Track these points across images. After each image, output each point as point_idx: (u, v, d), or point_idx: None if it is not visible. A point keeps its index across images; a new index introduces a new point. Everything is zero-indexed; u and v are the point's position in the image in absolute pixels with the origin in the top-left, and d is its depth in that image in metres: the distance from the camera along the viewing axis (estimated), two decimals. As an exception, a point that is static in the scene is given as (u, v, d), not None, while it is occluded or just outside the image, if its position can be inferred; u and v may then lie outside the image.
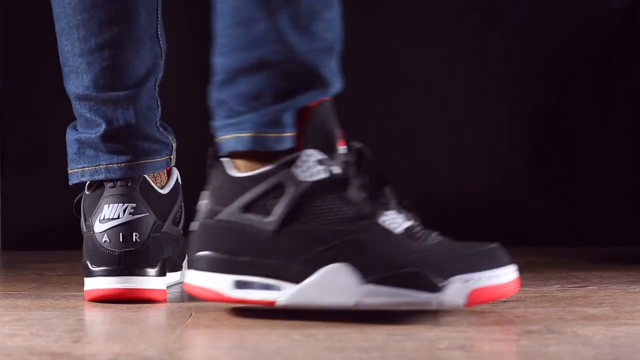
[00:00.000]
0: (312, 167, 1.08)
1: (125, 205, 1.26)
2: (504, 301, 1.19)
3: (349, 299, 1.04)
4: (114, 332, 1.06)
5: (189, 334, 1.02)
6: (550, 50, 2.16)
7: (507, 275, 1.07)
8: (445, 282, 1.04)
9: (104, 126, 1.29)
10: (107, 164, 1.28)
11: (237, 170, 1.10)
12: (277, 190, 1.07)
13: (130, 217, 1.26)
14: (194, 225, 1.12)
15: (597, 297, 1.26)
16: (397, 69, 2.17)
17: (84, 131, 1.30)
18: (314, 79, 1.09)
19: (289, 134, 1.09)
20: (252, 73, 1.08)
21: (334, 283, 1.04)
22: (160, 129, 1.33)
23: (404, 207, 1.10)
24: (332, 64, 1.10)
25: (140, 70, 1.30)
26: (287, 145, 1.09)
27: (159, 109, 1.33)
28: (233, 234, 1.08)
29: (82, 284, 1.28)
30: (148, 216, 1.27)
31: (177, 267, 1.38)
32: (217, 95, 1.11)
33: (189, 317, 1.11)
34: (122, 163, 1.28)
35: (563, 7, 2.16)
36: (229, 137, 1.10)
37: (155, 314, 1.17)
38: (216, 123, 1.12)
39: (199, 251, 1.10)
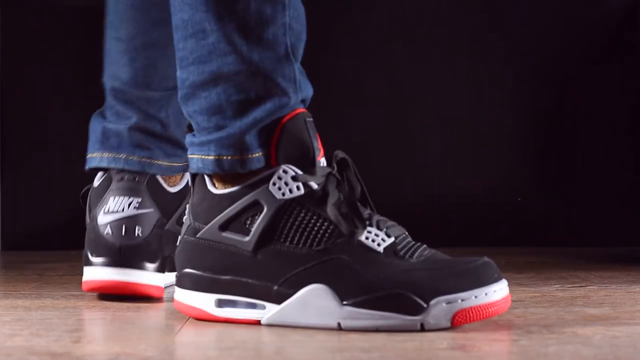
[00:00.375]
0: (289, 183, 1.05)
1: (131, 199, 1.26)
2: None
3: (331, 320, 1.02)
4: (114, 332, 1.06)
5: (189, 334, 1.02)
6: (550, 51, 2.16)
7: (494, 293, 1.01)
8: (429, 304, 0.99)
9: (134, 119, 1.29)
10: (127, 156, 1.28)
11: (215, 184, 1.08)
12: (254, 208, 1.05)
13: (135, 212, 1.26)
14: (178, 241, 1.12)
15: (597, 297, 1.26)
16: (397, 69, 2.17)
17: (113, 120, 1.30)
18: (271, 88, 1.06)
19: (255, 155, 1.06)
20: (209, 87, 1.06)
21: (313, 304, 1.02)
22: None
23: (389, 219, 1.06)
24: (291, 70, 1.06)
25: None
26: (254, 166, 1.06)
27: None
28: (214, 253, 1.07)
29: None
30: (152, 212, 1.27)
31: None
32: (184, 110, 1.09)
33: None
34: (142, 158, 1.28)
35: (563, 8, 2.16)
36: (194, 157, 1.08)
37: (155, 314, 1.17)
38: (187, 138, 1.10)
39: (183, 269, 1.10)
